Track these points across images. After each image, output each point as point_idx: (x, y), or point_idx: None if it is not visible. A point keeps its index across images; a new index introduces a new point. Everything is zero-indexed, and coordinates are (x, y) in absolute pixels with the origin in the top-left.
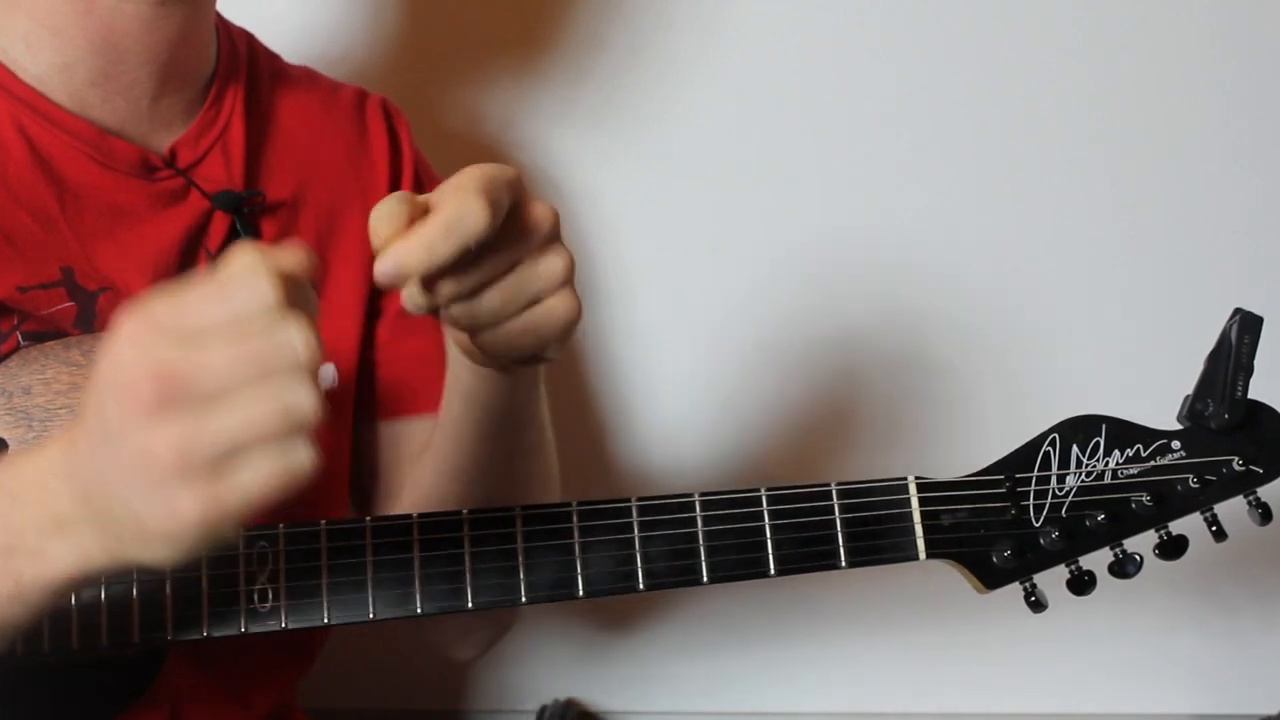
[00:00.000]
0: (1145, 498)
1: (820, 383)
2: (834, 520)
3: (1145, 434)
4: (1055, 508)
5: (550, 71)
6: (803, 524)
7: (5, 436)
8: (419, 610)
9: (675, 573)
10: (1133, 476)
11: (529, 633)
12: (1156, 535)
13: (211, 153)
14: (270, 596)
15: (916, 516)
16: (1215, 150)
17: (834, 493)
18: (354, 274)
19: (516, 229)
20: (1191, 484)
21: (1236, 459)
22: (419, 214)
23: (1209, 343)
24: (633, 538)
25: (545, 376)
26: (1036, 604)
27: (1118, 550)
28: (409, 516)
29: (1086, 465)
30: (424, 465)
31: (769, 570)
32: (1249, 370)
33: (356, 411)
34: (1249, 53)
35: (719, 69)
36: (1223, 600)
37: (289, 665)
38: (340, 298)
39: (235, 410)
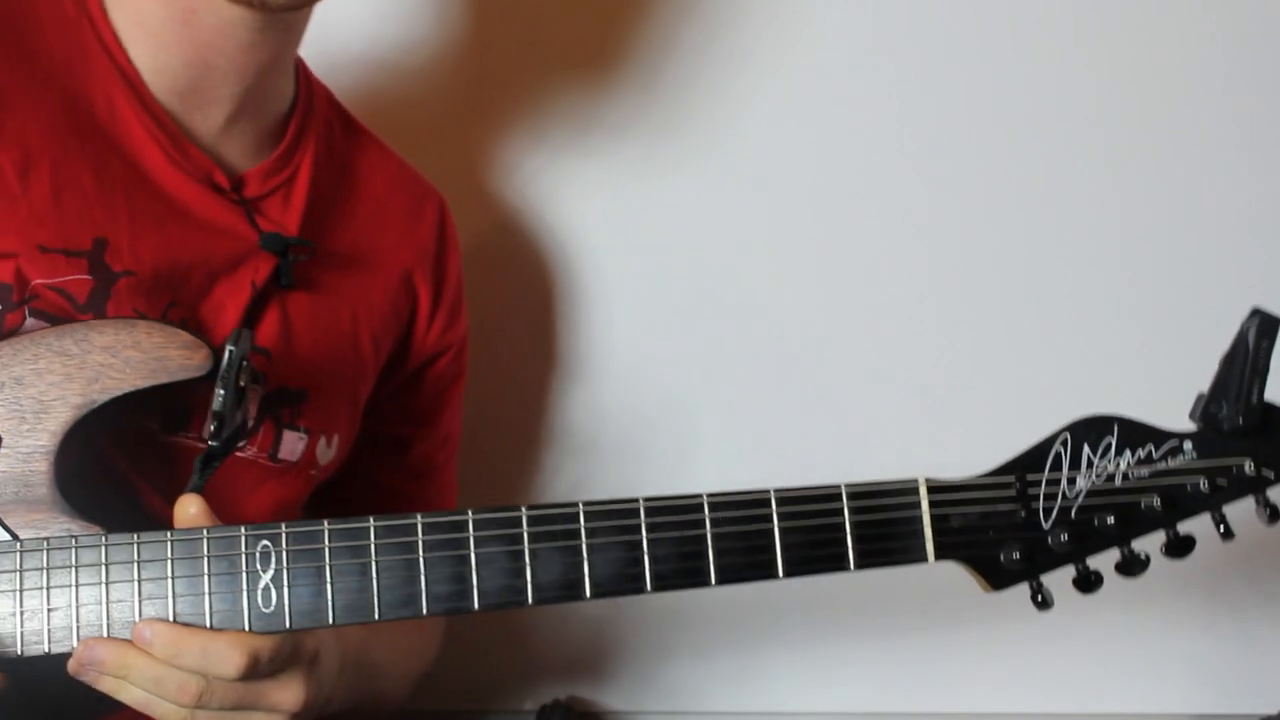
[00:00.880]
0: (1155, 499)
1: (827, 385)
2: (843, 523)
3: (1157, 435)
4: (1065, 510)
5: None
6: (812, 526)
7: None
8: (424, 611)
9: (683, 574)
10: (1143, 478)
11: (529, 633)
12: (1164, 535)
13: (275, 195)
14: (274, 596)
15: (926, 519)
16: (1225, 146)
17: (844, 494)
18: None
19: None
20: (1202, 486)
21: (1249, 461)
22: None
23: (1222, 337)
24: (640, 539)
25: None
26: (1043, 603)
27: (1125, 550)
28: (413, 516)
29: (1097, 466)
30: None
31: (777, 572)
32: (1265, 374)
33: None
34: (1249, 53)
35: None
36: (1224, 600)
37: None
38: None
39: None
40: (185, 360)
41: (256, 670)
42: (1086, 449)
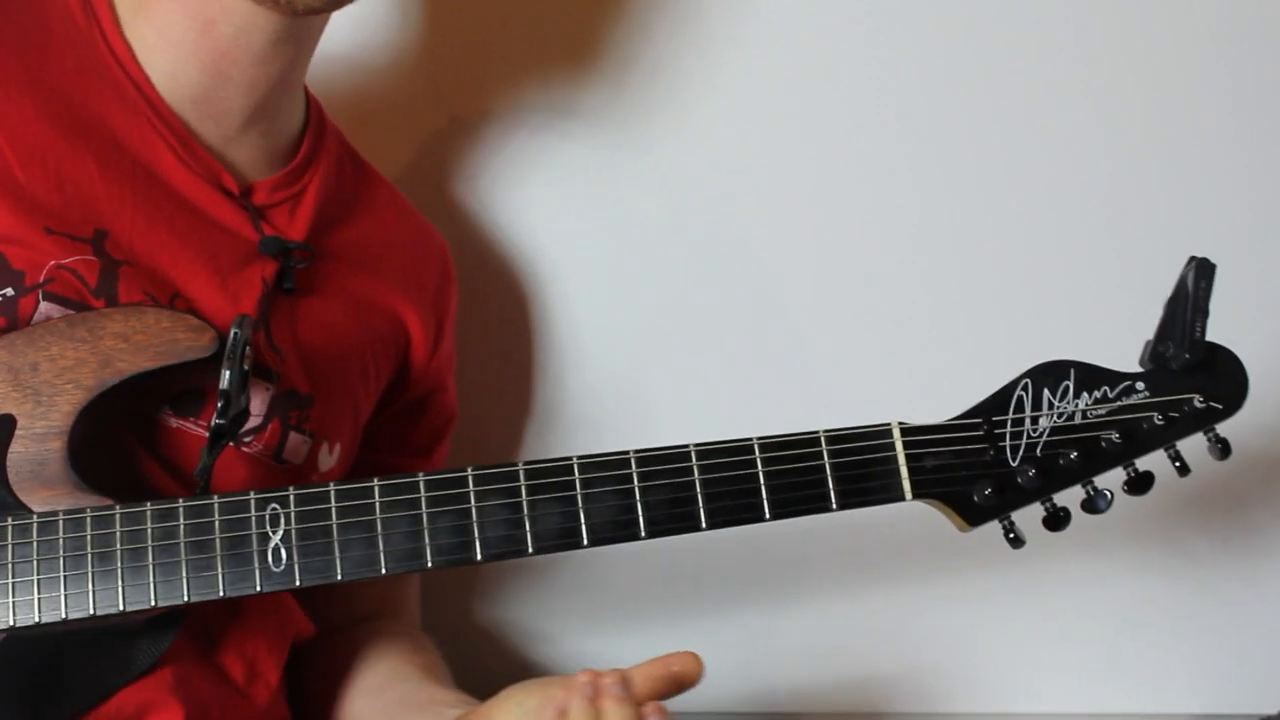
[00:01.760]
0: (1114, 435)
1: (806, 360)
2: (823, 465)
3: (1111, 376)
4: (1030, 447)
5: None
6: (794, 470)
7: (14, 412)
8: (429, 564)
9: (675, 519)
10: (1101, 416)
11: (529, 633)
12: (1125, 472)
13: (282, 206)
14: (284, 555)
15: (901, 460)
16: (1208, 111)
17: (822, 439)
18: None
19: None
20: (1156, 421)
21: (1197, 396)
22: None
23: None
24: (633, 488)
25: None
26: (1015, 539)
27: (1089, 487)
28: (415, 475)
29: (1058, 407)
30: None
31: (764, 514)
32: (1206, 313)
33: None
34: (1249, 52)
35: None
36: (1224, 601)
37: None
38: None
39: None
40: (193, 342)
41: None
42: (1046, 392)
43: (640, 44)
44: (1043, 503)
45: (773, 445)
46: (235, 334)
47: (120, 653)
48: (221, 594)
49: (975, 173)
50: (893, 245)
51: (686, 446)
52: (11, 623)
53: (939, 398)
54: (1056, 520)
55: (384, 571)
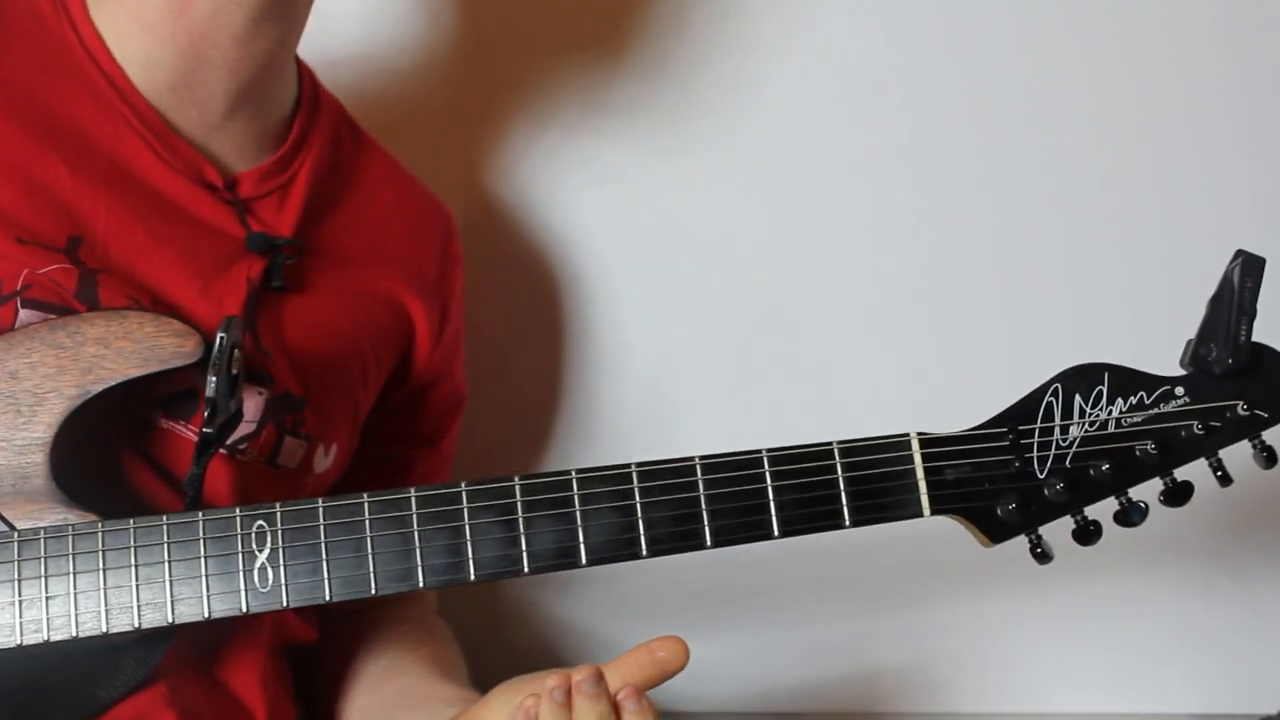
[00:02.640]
0: (1150, 445)
1: (830, 367)
2: (836, 480)
3: (1148, 381)
4: (1059, 459)
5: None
6: (805, 484)
7: None
8: (421, 584)
9: (678, 538)
10: (1137, 425)
11: (529, 632)
12: (1162, 483)
13: (269, 198)
14: (270, 575)
15: (920, 473)
16: (1209, 106)
17: (836, 452)
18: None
19: None
20: (1196, 430)
21: (1241, 403)
22: None
23: (1208, 285)
24: (634, 504)
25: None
26: (1042, 555)
27: (1123, 499)
28: (407, 491)
29: (1090, 415)
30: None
31: (773, 532)
32: (1252, 314)
33: None
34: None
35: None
36: (1224, 600)
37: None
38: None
39: None
40: (178, 348)
41: None
42: (1078, 398)
43: (675, 42)
44: (1072, 515)
45: (783, 458)
46: (221, 338)
47: (111, 666)
48: (206, 615)
49: (1002, 175)
50: (928, 250)
51: (691, 459)
52: None
53: (968, 403)
54: (1086, 534)
55: (374, 592)
